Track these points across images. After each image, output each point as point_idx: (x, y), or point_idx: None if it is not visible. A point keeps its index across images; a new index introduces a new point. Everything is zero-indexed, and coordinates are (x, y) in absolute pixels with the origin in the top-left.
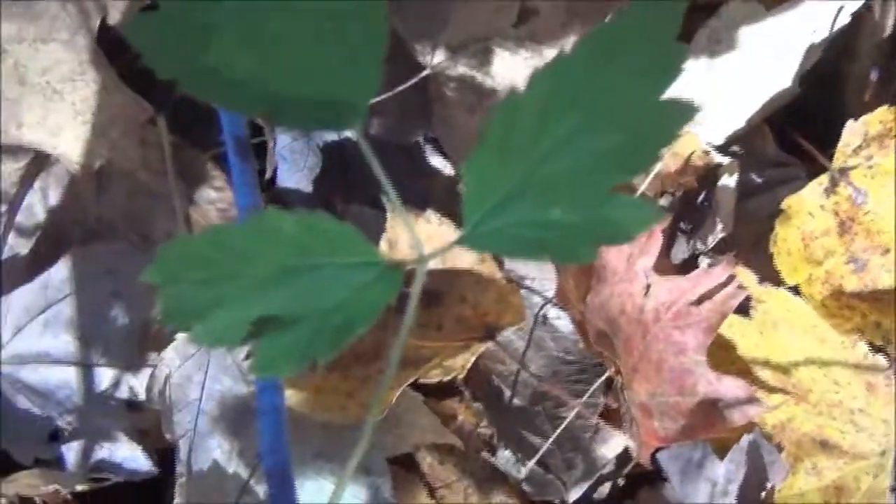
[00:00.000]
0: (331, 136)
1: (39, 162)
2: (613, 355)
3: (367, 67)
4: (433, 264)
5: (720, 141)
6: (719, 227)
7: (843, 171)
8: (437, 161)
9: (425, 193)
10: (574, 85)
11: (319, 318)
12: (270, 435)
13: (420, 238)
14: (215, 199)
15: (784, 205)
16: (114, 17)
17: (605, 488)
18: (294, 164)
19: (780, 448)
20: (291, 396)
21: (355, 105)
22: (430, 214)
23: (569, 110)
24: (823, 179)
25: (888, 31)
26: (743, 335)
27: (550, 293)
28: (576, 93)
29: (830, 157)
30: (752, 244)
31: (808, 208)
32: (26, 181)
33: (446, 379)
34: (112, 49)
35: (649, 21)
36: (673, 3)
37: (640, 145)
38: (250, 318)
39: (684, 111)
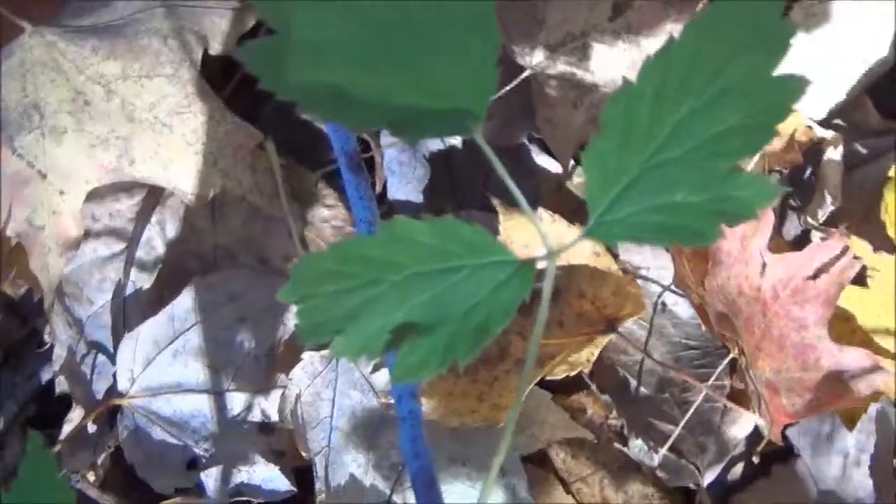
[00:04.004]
0: (436, 146)
1: (154, 196)
2: (735, 336)
3: (482, 73)
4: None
5: (822, 115)
6: (829, 200)
7: None
8: (542, 160)
9: (534, 192)
10: (684, 70)
11: (458, 320)
12: (411, 441)
13: (545, 232)
14: (328, 216)
15: (891, 172)
16: (215, 48)
17: (739, 468)
18: (403, 176)
19: None
20: (423, 404)
21: (473, 110)
22: (542, 212)
23: (682, 96)
24: None
25: None
26: (862, 305)
27: (667, 281)
28: (687, 78)
29: None
30: (863, 214)
31: None
32: (143, 217)
33: (572, 374)
34: (215, 79)
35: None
36: None
37: (755, 124)
38: (389, 327)
39: (796, 86)
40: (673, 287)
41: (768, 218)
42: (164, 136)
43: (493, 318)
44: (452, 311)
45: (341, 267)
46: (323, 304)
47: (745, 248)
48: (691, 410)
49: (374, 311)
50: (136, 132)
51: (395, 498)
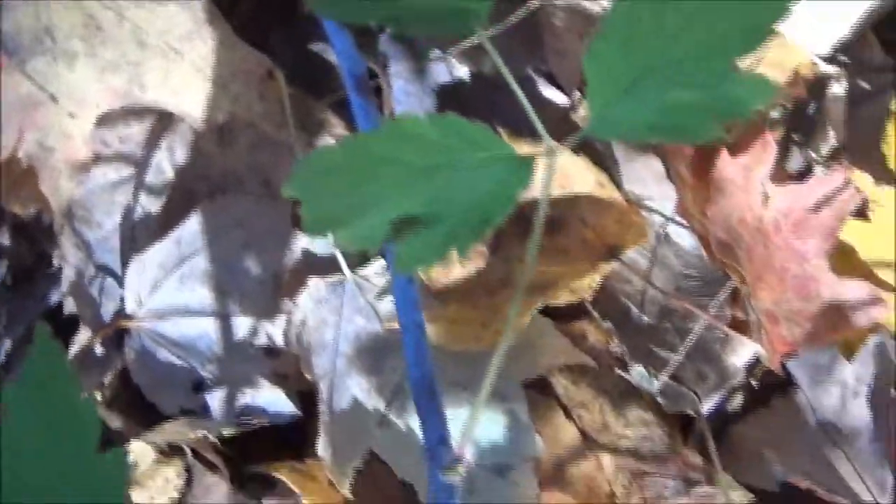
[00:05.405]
0: (444, 78)
1: (164, 122)
2: (737, 265)
3: None
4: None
5: (826, 51)
6: (832, 135)
7: None
8: (549, 92)
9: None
10: None
11: (459, 212)
12: (413, 349)
13: (545, 135)
14: None
15: (894, 106)
16: None
17: (738, 398)
18: (410, 107)
19: None
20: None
21: (477, 10)
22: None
23: None
24: None
25: None
26: (862, 238)
27: (669, 212)
28: None
29: None
30: (865, 149)
31: None
32: (152, 141)
33: (574, 301)
34: (225, 6)
35: None
36: None
37: (753, 23)
38: (391, 219)
39: None
40: (676, 217)
41: (770, 148)
42: (174, 61)
43: (493, 211)
44: (454, 204)
45: (346, 161)
46: (327, 197)
47: (747, 178)
48: (692, 338)
49: (377, 205)
50: (147, 57)
51: (391, 415)
